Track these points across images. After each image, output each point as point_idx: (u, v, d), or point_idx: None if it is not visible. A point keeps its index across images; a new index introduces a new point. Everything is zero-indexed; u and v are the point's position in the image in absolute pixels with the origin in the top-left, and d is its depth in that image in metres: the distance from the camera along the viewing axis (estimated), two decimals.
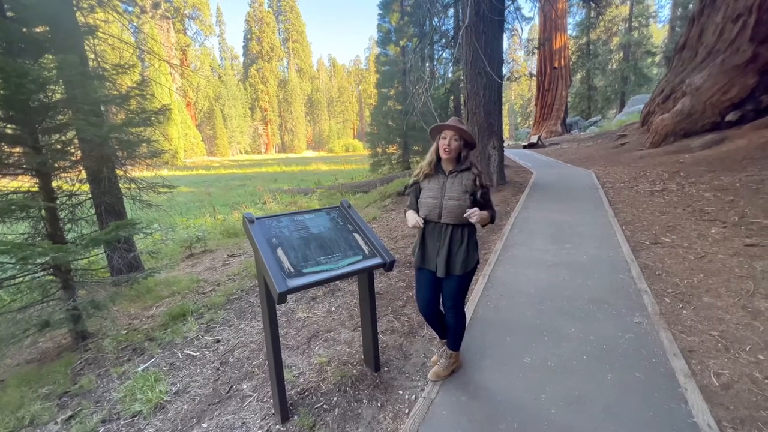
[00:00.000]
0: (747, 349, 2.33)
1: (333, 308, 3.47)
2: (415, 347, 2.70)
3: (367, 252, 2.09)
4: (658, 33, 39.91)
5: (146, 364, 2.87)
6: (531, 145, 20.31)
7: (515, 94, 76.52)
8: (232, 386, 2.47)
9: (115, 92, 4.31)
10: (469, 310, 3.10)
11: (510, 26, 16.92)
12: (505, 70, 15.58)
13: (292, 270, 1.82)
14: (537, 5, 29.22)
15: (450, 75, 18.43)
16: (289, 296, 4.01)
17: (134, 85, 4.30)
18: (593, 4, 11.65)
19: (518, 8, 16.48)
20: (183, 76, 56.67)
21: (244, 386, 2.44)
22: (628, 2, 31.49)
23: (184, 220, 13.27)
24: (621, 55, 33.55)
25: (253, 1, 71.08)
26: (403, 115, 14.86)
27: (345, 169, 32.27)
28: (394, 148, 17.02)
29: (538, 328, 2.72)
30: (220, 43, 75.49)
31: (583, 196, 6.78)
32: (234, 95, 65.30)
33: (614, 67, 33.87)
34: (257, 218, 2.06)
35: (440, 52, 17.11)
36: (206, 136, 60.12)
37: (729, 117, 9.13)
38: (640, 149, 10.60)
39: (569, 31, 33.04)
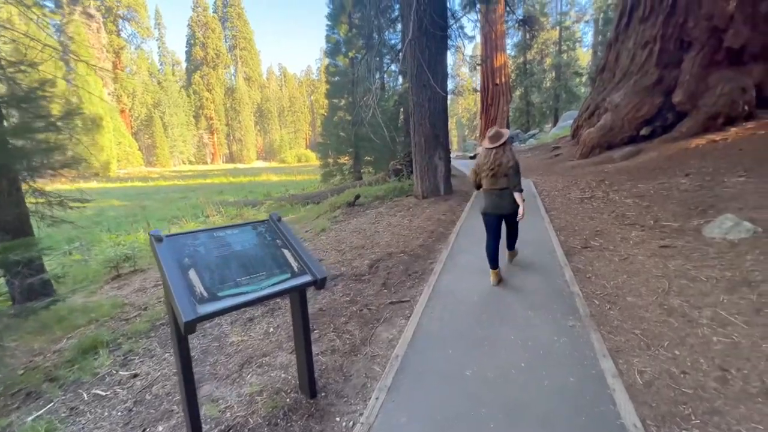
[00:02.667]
0: (665, 345, 2.48)
1: (271, 329, 3.22)
2: (356, 367, 2.55)
3: (296, 269, 1.92)
4: (584, 56, 44.17)
5: (40, 412, 2.42)
6: (477, 156, 21.35)
7: (462, 108, 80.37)
8: (145, 429, 2.14)
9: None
10: (412, 323, 3.02)
11: (454, 43, 17.69)
12: (451, 85, 16.20)
13: (205, 294, 1.60)
14: (478, 26, 31.13)
15: (399, 87, 18.83)
16: (222, 318, 3.69)
17: (37, 84, 3.77)
18: (527, 27, 12.67)
19: (461, 27, 17.32)
20: (116, 80, 52.30)
21: (160, 428, 2.13)
22: (558, 28, 34.56)
23: (112, 237, 12.01)
24: (553, 74, 36.61)
25: (197, 5, 67.96)
26: (352, 125, 14.84)
27: (297, 179, 31.49)
28: (346, 158, 16.91)
29: (480, 337, 2.71)
30: (159, 48, 70.93)
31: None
32: (176, 102, 61.42)
33: (548, 85, 36.84)
34: (168, 236, 1.81)
35: (388, 65, 17.44)
36: (144, 145, 55.69)
37: (643, 132, 10.22)
38: (572, 160, 11.49)
39: (508, 51, 35.45)
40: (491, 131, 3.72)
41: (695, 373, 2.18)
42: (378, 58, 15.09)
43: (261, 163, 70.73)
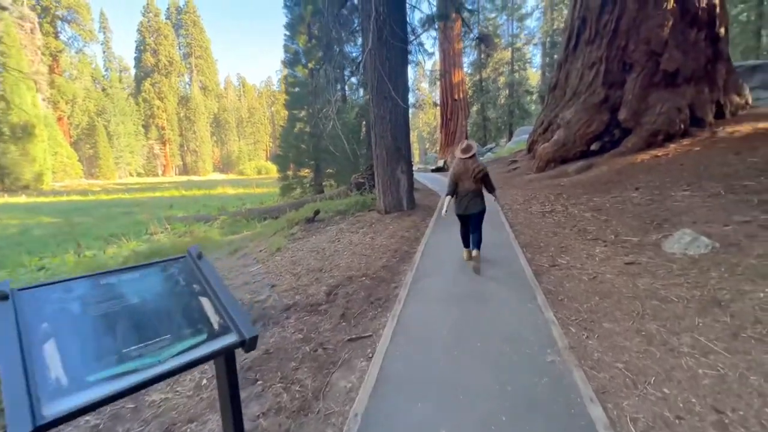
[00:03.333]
0: (651, 381, 2.24)
1: (204, 380, 2.63)
2: (306, 431, 2.06)
3: (216, 326, 1.43)
4: (534, 76, 46.94)
5: None
6: (438, 169, 21.52)
7: (422, 122, 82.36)
8: None
9: None
10: (375, 364, 2.59)
11: (414, 59, 17.82)
12: (412, 99, 16.24)
13: (64, 381, 1.07)
14: (437, 43, 32.05)
15: (360, 99, 18.66)
16: None
17: None
18: (483, 46, 13.06)
19: (421, 44, 17.58)
20: (53, 85, 47.86)
21: None
22: (510, 48, 36.47)
23: (35, 261, 10.49)
24: (507, 92, 38.46)
25: (147, 11, 64.50)
26: (311, 137, 14.34)
27: (255, 192, 30.08)
28: (307, 171, 16.29)
29: (453, 383, 2.33)
30: (105, 52, 66.19)
31: (487, 218, 7.00)
32: (123, 110, 57.24)
33: (503, 102, 38.61)
34: (23, 289, 1.27)
35: (349, 77, 17.21)
36: (85, 156, 51.10)
37: (593, 147, 10.66)
38: (529, 173, 11.76)
39: (465, 69, 36.80)
40: (463, 144, 4.46)
41: (690, 418, 1.93)
42: (339, 70, 14.81)
43: (218, 176, 67.50)
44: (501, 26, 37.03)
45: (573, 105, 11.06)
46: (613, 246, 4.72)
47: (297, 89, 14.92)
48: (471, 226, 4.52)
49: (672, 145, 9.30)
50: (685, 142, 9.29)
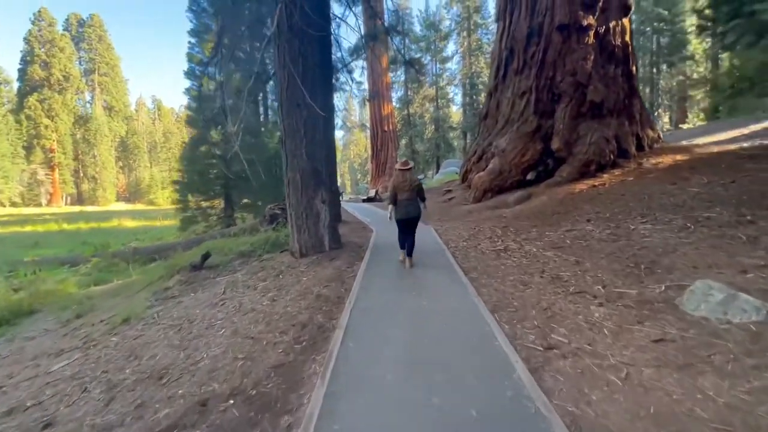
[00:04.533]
0: None
1: None
2: None
3: None
4: (456, 115, 49.68)
5: None
6: (369, 199, 20.04)
7: (354, 153, 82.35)
8: None
9: None
10: None
11: (342, 86, 16.53)
12: (339, 121, 14.70)
13: None
14: (365, 75, 31.80)
15: None
16: None
17: None
18: (414, 70, 12.41)
19: (350, 71, 16.54)
20: None
21: None
22: (434, 87, 37.97)
23: None
24: (433, 127, 39.68)
25: (39, 19, 55.45)
26: (220, 161, 11.81)
27: (160, 225, 25.26)
28: (216, 201, 13.43)
29: None
30: None
31: (432, 261, 5.35)
32: None
33: (429, 136, 39.63)
34: None
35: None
36: None
37: (529, 176, 10.01)
38: (466, 204, 10.71)
39: (394, 104, 37.19)
40: (403, 159, 5.37)
41: None
42: (262, 83, 12.75)
43: (121, 205, 58.04)
44: (426, 65, 38.56)
45: (507, 133, 10.44)
46: (612, 305, 3.30)
47: (202, 105, 12.37)
48: (408, 230, 5.07)
49: (605, 175, 8.92)
50: (616, 172, 9.00)
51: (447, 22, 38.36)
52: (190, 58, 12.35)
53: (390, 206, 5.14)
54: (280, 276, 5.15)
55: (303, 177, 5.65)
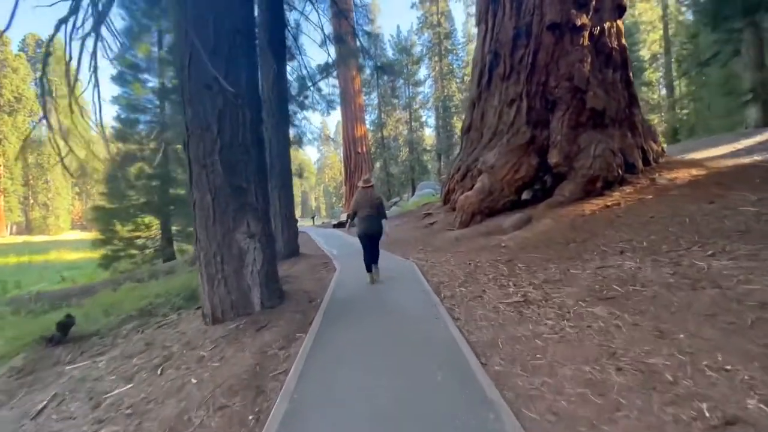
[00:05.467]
0: None
1: None
2: None
3: None
4: (429, 138, 49.17)
5: None
6: (340, 224, 17.90)
7: (329, 177, 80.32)
8: None
9: None
10: None
11: (312, 104, 14.80)
12: (294, 132, 12.73)
13: None
14: (339, 97, 30.43)
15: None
16: None
17: None
18: (385, 73, 10.90)
19: (319, 90, 14.95)
20: None
21: None
22: (408, 109, 37.24)
23: None
24: (407, 149, 38.63)
25: None
26: (157, 182, 9.50)
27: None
28: (152, 231, 10.91)
29: None
30: None
31: (423, 331, 3.31)
32: None
33: (404, 158, 38.49)
34: None
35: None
36: None
37: (524, 195, 8.36)
38: (451, 229, 8.87)
39: (368, 127, 35.95)
40: (365, 176, 5.51)
41: None
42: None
43: (75, 234, 52.48)
44: (399, 88, 37.92)
45: (495, 147, 8.83)
46: None
47: (134, 116, 10.11)
48: (370, 244, 5.08)
49: (614, 194, 7.36)
50: (628, 189, 7.47)
51: (418, 47, 38.17)
52: (121, 60, 10.20)
53: (349, 221, 5.44)
54: (165, 366, 2.94)
55: (217, 199, 3.53)
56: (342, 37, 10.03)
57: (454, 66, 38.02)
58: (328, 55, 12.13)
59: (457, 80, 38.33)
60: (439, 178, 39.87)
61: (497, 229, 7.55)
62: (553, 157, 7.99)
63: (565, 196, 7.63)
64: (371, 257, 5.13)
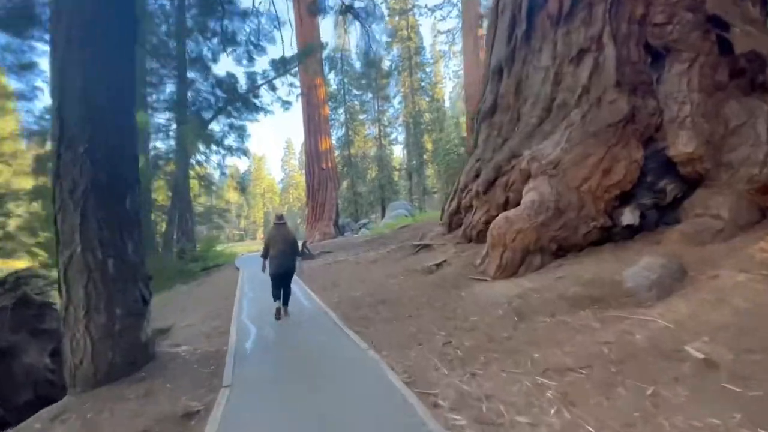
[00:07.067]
0: None
1: None
2: None
3: None
4: (397, 159, 45.66)
5: None
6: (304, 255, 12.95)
7: (294, 197, 74.28)
8: None
9: None
10: None
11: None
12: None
13: None
14: (300, 105, 26.07)
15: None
16: None
17: None
18: (356, 16, 6.97)
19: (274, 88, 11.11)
20: None
21: None
22: (377, 123, 33.72)
23: None
24: (376, 167, 34.72)
25: None
26: None
27: None
28: None
29: None
30: None
31: None
32: None
33: (373, 176, 34.52)
34: None
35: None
36: None
37: (626, 218, 4.24)
38: (483, 279, 4.51)
39: (334, 143, 31.75)
40: (278, 213, 5.41)
41: None
42: None
43: None
44: (367, 102, 34.40)
45: (556, 130, 4.77)
46: None
47: None
48: (282, 284, 4.70)
49: None
50: None
51: (387, 63, 35.11)
52: None
53: (262, 259, 4.90)
54: None
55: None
56: None
57: (424, 84, 35.30)
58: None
59: (427, 98, 35.55)
60: (410, 197, 36.22)
61: (608, 288, 3.30)
62: (682, 145, 4.03)
63: (723, 219, 3.62)
64: (283, 295, 4.74)
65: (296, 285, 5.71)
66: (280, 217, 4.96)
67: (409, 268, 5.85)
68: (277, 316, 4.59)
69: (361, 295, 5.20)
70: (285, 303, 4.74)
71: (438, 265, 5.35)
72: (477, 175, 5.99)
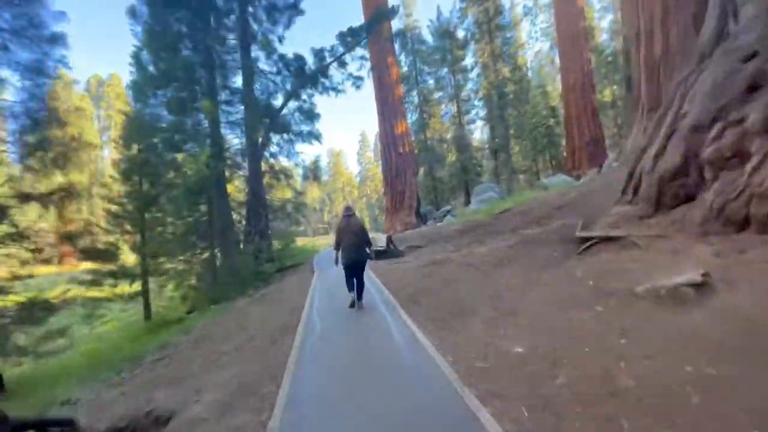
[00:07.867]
0: None
1: None
2: None
3: None
4: (475, 140, 40.68)
5: None
6: (382, 252, 10.52)
7: (371, 189, 74.33)
8: None
9: None
10: None
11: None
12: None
13: None
14: (373, 90, 24.13)
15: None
16: None
17: None
18: None
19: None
20: None
21: None
22: (455, 100, 29.99)
23: None
24: (455, 149, 31.09)
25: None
26: None
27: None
28: None
29: None
30: None
31: None
32: None
33: (453, 159, 31.01)
34: None
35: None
36: None
37: None
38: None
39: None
40: (345, 204, 5.75)
41: None
42: None
43: None
44: (443, 79, 30.81)
45: None
46: None
47: None
48: (355, 274, 4.66)
49: None
50: None
51: (462, 33, 30.78)
52: None
53: (335, 252, 4.81)
54: None
55: None
56: None
57: (505, 50, 30.02)
58: None
59: (509, 67, 30.19)
60: (497, 179, 31.59)
61: None
62: None
63: None
64: (357, 286, 4.70)
65: (396, 321, 3.35)
66: (348, 208, 4.99)
67: (599, 288, 2.95)
68: (352, 305, 4.66)
69: (545, 370, 2.26)
70: (359, 296, 4.72)
71: (696, 287, 2.36)
72: (723, 112, 2.71)
